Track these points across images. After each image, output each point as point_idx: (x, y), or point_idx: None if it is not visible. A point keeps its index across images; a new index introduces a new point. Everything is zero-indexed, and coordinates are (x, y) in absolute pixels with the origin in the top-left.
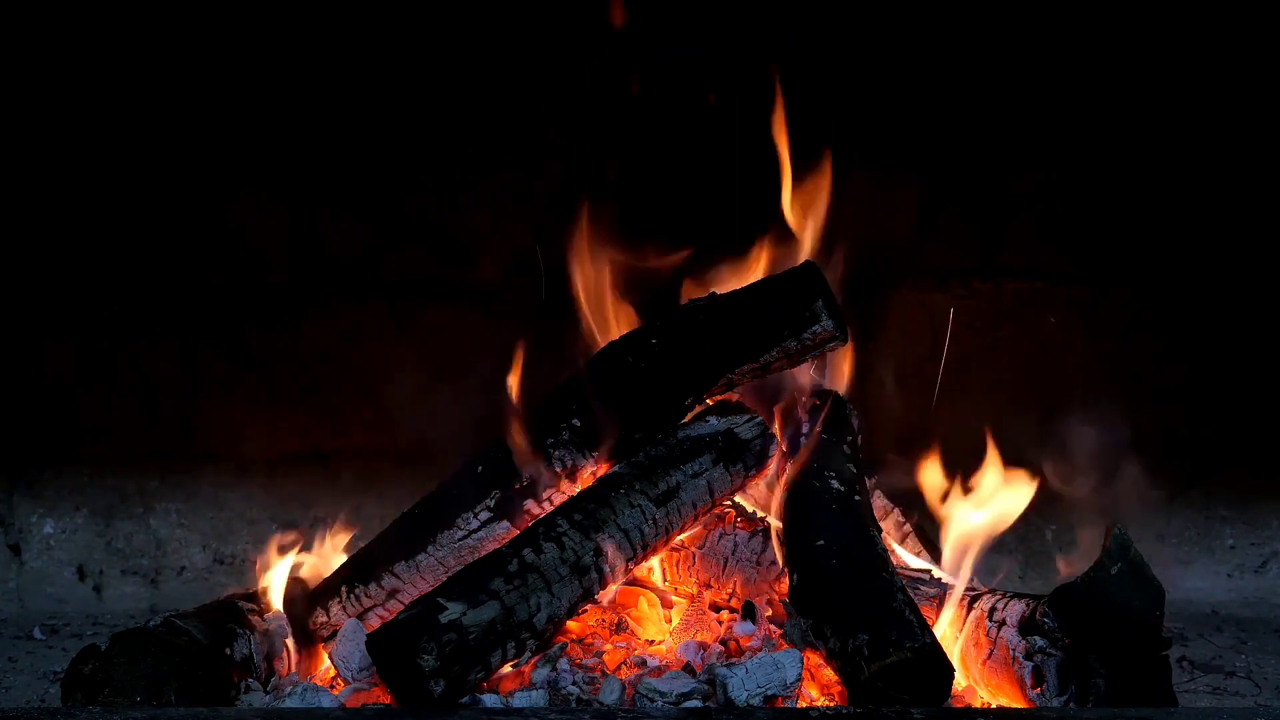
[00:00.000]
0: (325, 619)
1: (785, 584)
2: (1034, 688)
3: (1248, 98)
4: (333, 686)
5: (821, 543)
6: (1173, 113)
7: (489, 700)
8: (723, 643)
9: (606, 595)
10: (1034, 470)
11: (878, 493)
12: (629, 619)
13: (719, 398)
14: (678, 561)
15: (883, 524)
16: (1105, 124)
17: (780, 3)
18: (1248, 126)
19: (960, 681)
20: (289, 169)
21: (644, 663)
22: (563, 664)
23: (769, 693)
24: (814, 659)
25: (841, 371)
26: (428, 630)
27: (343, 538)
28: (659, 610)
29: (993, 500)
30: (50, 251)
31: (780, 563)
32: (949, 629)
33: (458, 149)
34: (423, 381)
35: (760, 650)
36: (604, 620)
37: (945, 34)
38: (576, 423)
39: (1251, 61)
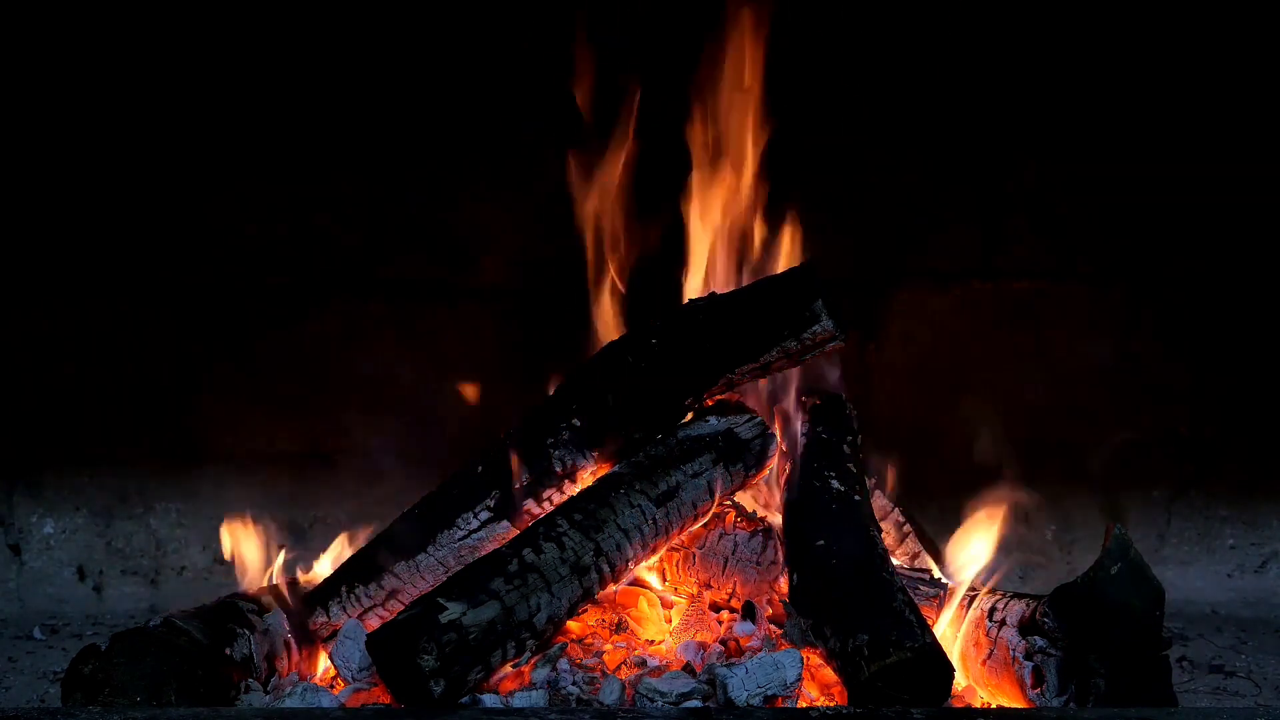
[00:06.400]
0: (325, 619)
1: (785, 584)
2: (1034, 688)
3: (1247, 98)
4: (332, 686)
5: (821, 543)
6: (1172, 112)
7: (489, 700)
8: (723, 643)
9: (606, 595)
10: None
11: (878, 493)
12: (629, 619)
13: (719, 398)
14: (678, 561)
15: (883, 524)
16: (1105, 123)
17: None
18: (1248, 125)
19: (960, 681)
20: (289, 168)
21: (644, 663)
22: (563, 664)
23: (769, 693)
24: (814, 659)
25: (842, 372)
26: (428, 630)
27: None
28: (659, 610)
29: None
30: (50, 251)
31: (780, 563)
32: (949, 629)
33: (458, 148)
34: (422, 381)
35: (760, 650)
36: (604, 620)
37: (943, 30)
38: (576, 423)
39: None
